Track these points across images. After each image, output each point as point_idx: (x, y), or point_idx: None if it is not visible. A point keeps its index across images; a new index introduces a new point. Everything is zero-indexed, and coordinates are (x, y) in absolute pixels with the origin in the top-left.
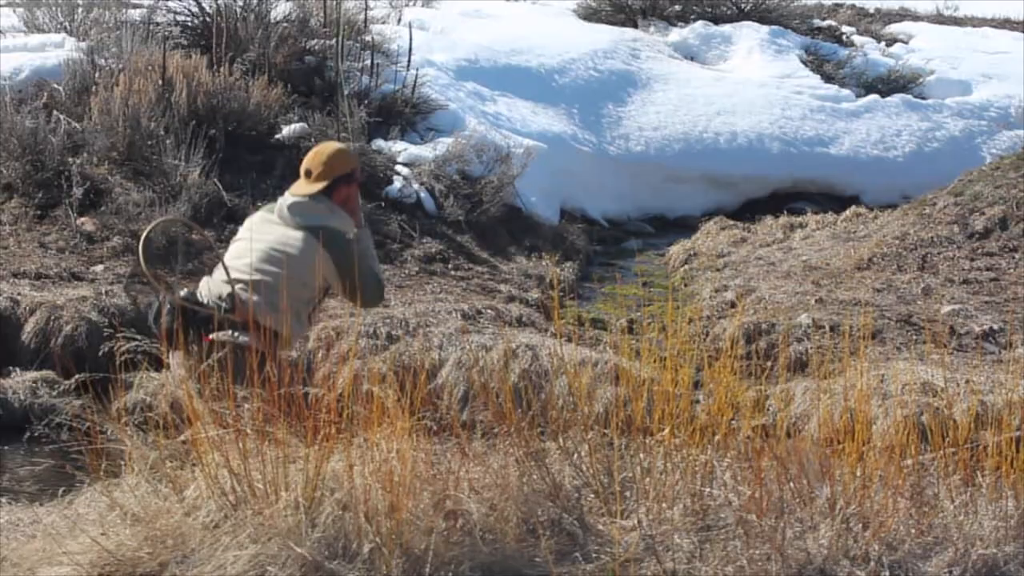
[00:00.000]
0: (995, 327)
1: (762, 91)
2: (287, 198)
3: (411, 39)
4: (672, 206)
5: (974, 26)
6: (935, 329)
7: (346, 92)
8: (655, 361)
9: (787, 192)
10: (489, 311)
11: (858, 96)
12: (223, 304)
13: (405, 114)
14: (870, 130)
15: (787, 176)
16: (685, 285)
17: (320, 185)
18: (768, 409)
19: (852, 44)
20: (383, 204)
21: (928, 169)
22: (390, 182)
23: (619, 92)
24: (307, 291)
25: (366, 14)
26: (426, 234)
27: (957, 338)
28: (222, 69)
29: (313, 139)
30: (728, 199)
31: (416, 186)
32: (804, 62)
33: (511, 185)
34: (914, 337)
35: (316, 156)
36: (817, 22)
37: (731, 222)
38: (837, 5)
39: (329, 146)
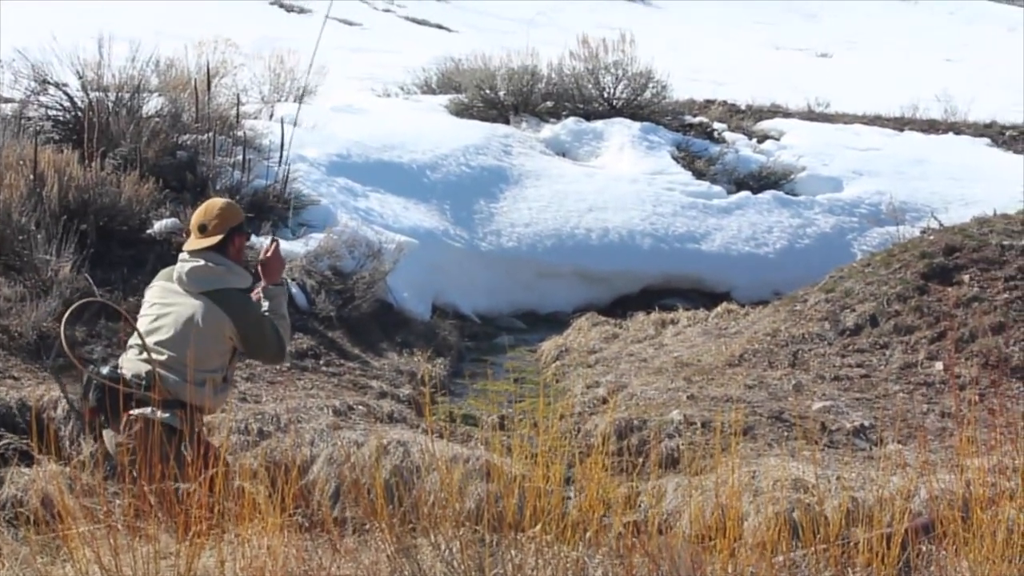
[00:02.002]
0: (866, 423)
1: (634, 187)
2: (184, 264)
3: (283, 134)
4: (544, 302)
5: (845, 123)
6: (806, 425)
7: (218, 187)
8: (526, 457)
9: (659, 288)
10: (361, 407)
11: (729, 192)
12: (142, 382)
13: (277, 209)
14: (741, 226)
15: (659, 272)
16: (557, 381)
17: (216, 238)
18: (640, 505)
19: (723, 140)
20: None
21: (799, 265)
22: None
23: (491, 188)
24: (221, 357)
25: (238, 109)
26: (298, 330)
27: (828, 434)
28: (94, 164)
29: (184, 235)
30: (600, 295)
31: (288, 282)
32: (676, 158)
33: (383, 281)
34: (785, 433)
35: (208, 211)
36: (688, 118)
37: (603, 318)
38: (709, 101)
39: (217, 201)
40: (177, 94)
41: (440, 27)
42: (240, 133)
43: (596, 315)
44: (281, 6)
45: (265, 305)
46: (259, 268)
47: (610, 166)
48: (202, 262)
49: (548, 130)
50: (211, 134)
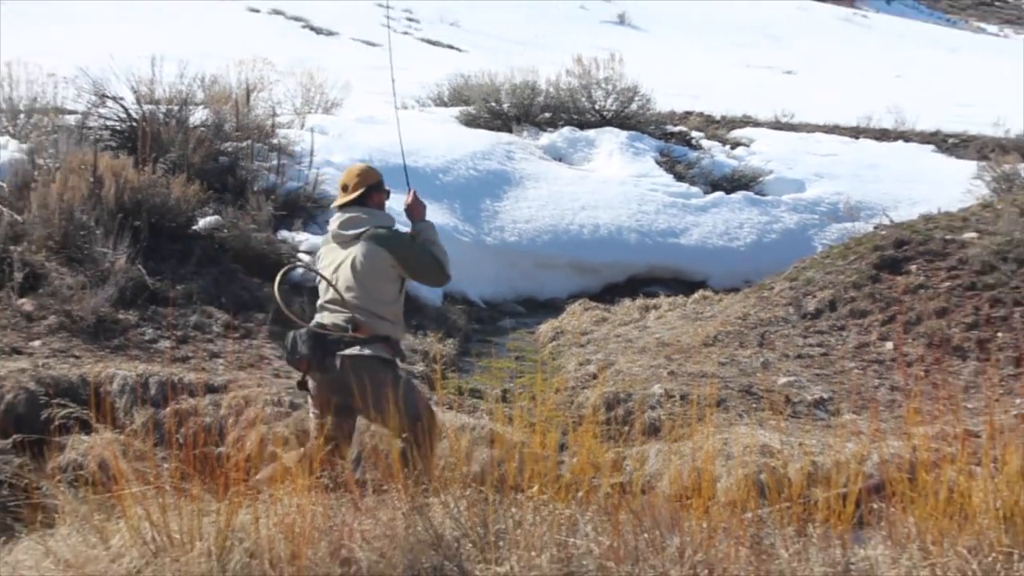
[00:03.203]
0: (825, 396)
1: (621, 188)
2: (335, 221)
3: (313, 142)
4: (542, 289)
5: (808, 132)
6: (772, 398)
7: (255, 189)
8: (526, 426)
9: (643, 277)
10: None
11: (706, 193)
12: (347, 326)
13: (307, 208)
14: (716, 223)
15: (643, 263)
16: (553, 359)
17: (357, 193)
18: (625, 469)
19: (701, 147)
20: (287, 287)
21: (767, 257)
22: (293, 268)
23: (495, 189)
24: (392, 286)
25: (274, 120)
26: None
27: (792, 406)
28: (146, 168)
29: (226, 230)
30: (591, 283)
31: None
32: (658, 163)
33: None
34: (754, 405)
35: (349, 173)
36: (670, 128)
37: (593, 304)
38: (688, 113)
39: (358, 165)
40: (220, 107)
41: (451, 47)
42: (275, 141)
43: (588, 301)
44: (311, 28)
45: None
46: (406, 214)
47: (601, 170)
48: (348, 214)
49: (546, 138)
50: (250, 142)
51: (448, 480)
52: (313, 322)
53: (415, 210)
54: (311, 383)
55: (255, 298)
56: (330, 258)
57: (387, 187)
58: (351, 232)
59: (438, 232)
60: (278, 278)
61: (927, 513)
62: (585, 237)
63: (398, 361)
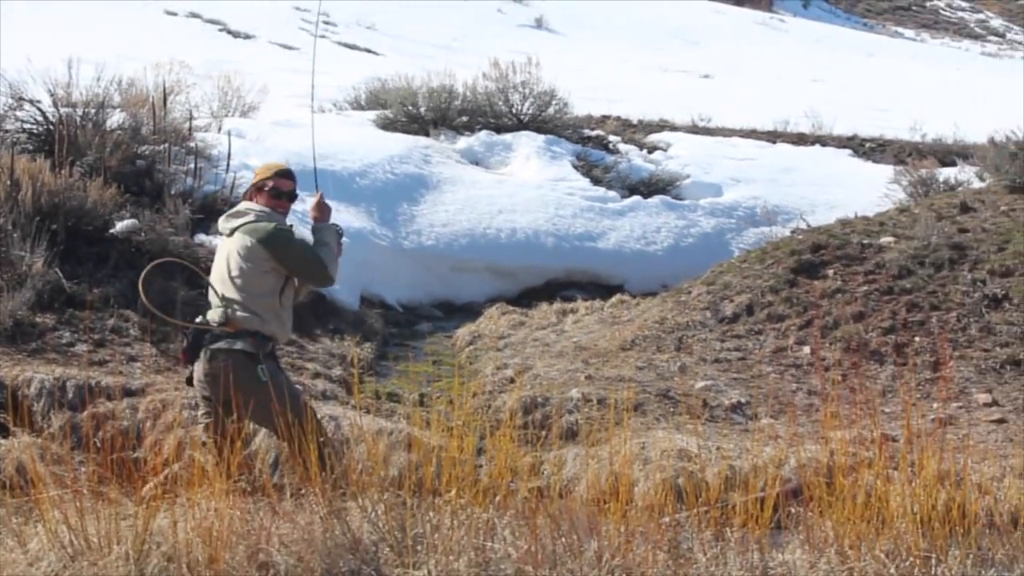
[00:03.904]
0: (742, 400)
1: (538, 192)
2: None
3: (230, 146)
4: (459, 293)
5: (725, 136)
6: (690, 402)
7: (172, 192)
8: (443, 430)
9: (560, 281)
10: (297, 386)
11: (623, 197)
12: (218, 321)
13: (224, 211)
14: (633, 227)
15: (560, 267)
16: (470, 363)
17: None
18: (543, 473)
19: (618, 151)
20: (204, 291)
21: (684, 261)
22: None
23: (413, 193)
24: (266, 280)
25: (191, 123)
26: None
27: (709, 410)
28: (63, 171)
29: (143, 234)
30: (508, 287)
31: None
32: (575, 167)
33: None
34: (671, 409)
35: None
36: (587, 132)
37: (511, 308)
38: (605, 117)
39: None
40: (137, 110)
41: (368, 51)
42: (192, 144)
43: (505, 305)
44: (228, 32)
45: (312, 238)
46: (311, 215)
47: (518, 174)
48: (236, 208)
49: (463, 142)
50: (167, 145)
51: (366, 484)
52: (200, 318)
53: (319, 211)
54: (194, 379)
55: (172, 302)
56: (217, 252)
57: (287, 188)
58: (229, 225)
59: (341, 237)
60: (143, 274)
61: (844, 517)
62: (502, 241)
63: (271, 358)
